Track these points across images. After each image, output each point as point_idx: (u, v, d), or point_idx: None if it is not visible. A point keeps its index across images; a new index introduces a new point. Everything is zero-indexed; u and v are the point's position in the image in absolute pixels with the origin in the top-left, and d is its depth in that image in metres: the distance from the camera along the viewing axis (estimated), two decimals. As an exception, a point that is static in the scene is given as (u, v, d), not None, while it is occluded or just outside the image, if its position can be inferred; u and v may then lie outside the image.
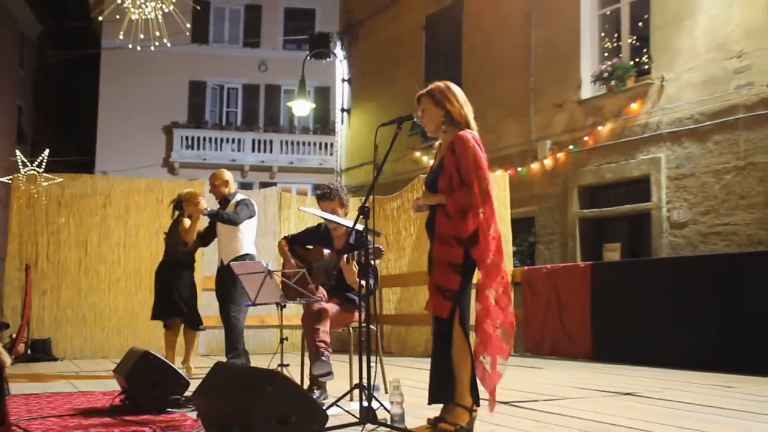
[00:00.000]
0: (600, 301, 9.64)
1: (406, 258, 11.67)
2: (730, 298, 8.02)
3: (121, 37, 9.77)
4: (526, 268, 11.48)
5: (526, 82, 13.93)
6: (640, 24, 12.24)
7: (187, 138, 29.09)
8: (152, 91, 28.30)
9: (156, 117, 28.67)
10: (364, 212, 4.59)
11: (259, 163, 29.19)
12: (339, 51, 20.29)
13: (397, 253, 11.78)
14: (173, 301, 8.37)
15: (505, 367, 4.38)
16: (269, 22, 30.32)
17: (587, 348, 9.68)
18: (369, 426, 4.40)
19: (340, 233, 6.36)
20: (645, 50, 11.99)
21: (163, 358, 5.62)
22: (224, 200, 8.21)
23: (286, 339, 6.28)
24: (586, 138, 12.57)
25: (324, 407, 4.23)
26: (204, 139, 29.23)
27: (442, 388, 4.43)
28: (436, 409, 4.47)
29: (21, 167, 12.36)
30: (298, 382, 5.85)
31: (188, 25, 10.13)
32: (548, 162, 13.19)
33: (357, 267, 5.73)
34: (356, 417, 4.46)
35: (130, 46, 9.90)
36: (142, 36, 9.69)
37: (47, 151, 12.84)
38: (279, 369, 5.49)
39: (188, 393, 5.25)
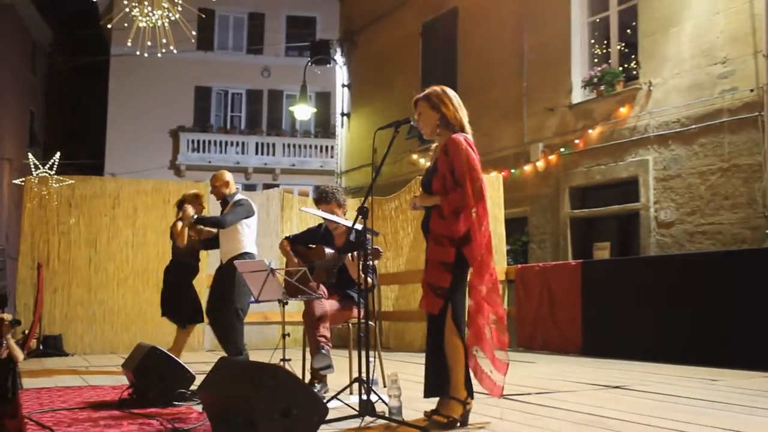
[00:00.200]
0: (590, 298, 9.64)
1: (403, 257, 11.67)
2: (714, 295, 8.02)
3: (130, 44, 9.77)
4: (519, 266, 11.48)
5: (519, 87, 13.92)
6: (628, 31, 12.24)
7: (193, 141, 29.06)
8: (159, 96, 28.26)
9: (163, 121, 28.63)
10: (363, 212, 4.59)
11: (263, 166, 29.15)
12: (339, 57, 20.28)
13: (395, 252, 11.78)
14: (173, 306, 8.39)
15: (508, 356, 4.39)
16: (272, 30, 30.29)
17: (578, 343, 9.68)
18: (368, 418, 4.40)
19: (341, 232, 6.36)
20: (633, 56, 11.99)
21: (169, 354, 5.63)
22: (224, 201, 8.18)
23: (288, 335, 6.27)
24: (576, 141, 12.57)
25: (324, 400, 4.23)
26: (209, 142, 29.19)
27: (436, 383, 4.44)
28: (432, 402, 4.48)
29: (33, 170, 12.38)
30: (300, 376, 5.84)
31: (194, 33, 10.16)
32: (540, 164, 13.18)
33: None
34: (355, 410, 4.46)
35: (138, 52, 9.92)
36: (149, 43, 9.69)
37: (58, 154, 12.87)
38: (281, 363, 5.50)
39: (194, 387, 5.25)
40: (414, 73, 16.71)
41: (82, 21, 30.37)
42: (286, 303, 6.00)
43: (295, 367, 5.90)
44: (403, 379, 4.74)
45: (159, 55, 10.00)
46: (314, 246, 6.48)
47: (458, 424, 4.30)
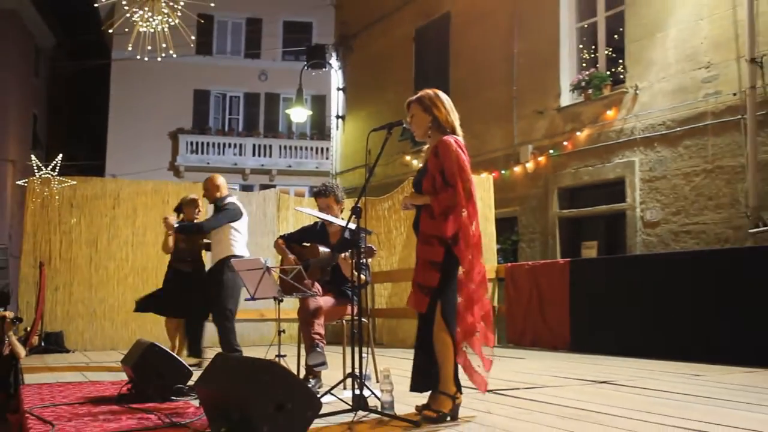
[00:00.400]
0: (578, 296, 9.64)
1: (396, 255, 11.67)
2: (699, 293, 8.03)
3: (130, 48, 9.75)
4: (509, 264, 11.47)
5: (510, 91, 13.92)
6: (615, 36, 12.25)
7: (191, 143, 29.05)
8: (159, 99, 28.25)
9: (162, 123, 28.62)
10: (356, 212, 4.60)
11: (260, 167, 29.15)
12: (334, 61, 20.25)
13: (388, 251, 11.77)
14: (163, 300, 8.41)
15: (493, 352, 4.39)
16: (269, 35, 30.28)
17: (566, 339, 9.68)
18: (361, 413, 4.39)
19: (335, 229, 6.37)
20: (620, 61, 12.00)
21: (167, 350, 5.62)
22: (215, 204, 8.15)
23: (284, 331, 6.26)
24: (565, 143, 12.56)
25: (318, 395, 4.22)
26: (208, 144, 29.18)
27: (422, 378, 4.45)
28: (424, 397, 4.47)
29: (36, 171, 12.35)
30: (295, 372, 5.83)
31: (193, 38, 10.13)
32: (530, 165, 13.18)
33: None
34: (349, 404, 4.45)
35: (139, 57, 9.89)
36: (149, 48, 9.67)
37: (60, 155, 12.85)
38: (276, 359, 5.48)
39: (191, 382, 5.24)
40: (407, 76, 16.70)
41: (84, 26, 30.31)
42: (282, 300, 5.99)
43: (290, 363, 5.89)
44: (396, 374, 4.73)
45: (159, 59, 9.98)
46: (309, 244, 6.47)
47: (448, 418, 4.30)
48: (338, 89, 20.24)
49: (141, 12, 9.23)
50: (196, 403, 4.91)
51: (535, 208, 13.22)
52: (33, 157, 13.89)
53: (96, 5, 10.78)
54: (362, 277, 5.35)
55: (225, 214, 7.76)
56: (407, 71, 16.89)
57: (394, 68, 17.41)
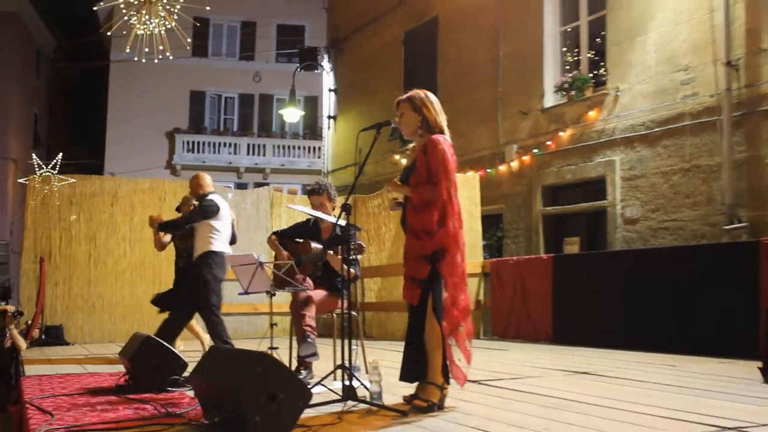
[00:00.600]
0: (560, 290, 9.68)
1: (386, 251, 11.68)
2: (676, 287, 8.09)
3: (128, 50, 9.71)
4: (494, 260, 11.51)
5: (495, 92, 13.95)
6: (597, 40, 12.29)
7: (187, 142, 28.99)
8: (156, 99, 28.17)
9: (160, 123, 28.55)
10: (346, 209, 4.62)
11: (254, 166, 29.12)
12: (326, 63, 20.25)
13: (377, 247, 11.79)
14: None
15: (471, 345, 4.42)
16: (263, 38, 30.21)
17: (549, 332, 9.72)
18: (350, 403, 4.41)
19: (327, 226, 6.40)
20: (602, 63, 12.04)
21: (163, 342, 5.62)
22: (198, 200, 8.10)
23: (276, 324, 6.30)
24: (548, 142, 12.60)
25: (309, 386, 4.24)
26: (203, 143, 29.13)
27: (412, 369, 4.46)
28: (411, 388, 4.49)
29: (37, 169, 12.30)
30: (287, 364, 5.85)
31: (189, 40, 10.11)
32: (515, 164, 13.21)
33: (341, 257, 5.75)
34: (339, 394, 4.47)
35: (136, 58, 9.86)
36: (147, 50, 9.64)
37: (60, 154, 12.81)
38: (269, 351, 5.49)
39: (186, 374, 5.25)
40: (396, 78, 16.70)
41: (83, 28, 30.19)
42: (274, 294, 6.00)
43: (282, 355, 5.90)
44: (384, 366, 4.75)
45: (156, 61, 9.97)
46: (301, 240, 6.48)
47: (436, 408, 4.32)
48: (330, 90, 20.23)
49: (138, 15, 9.21)
50: (191, 393, 4.91)
51: (520, 206, 13.26)
52: (34, 155, 13.84)
53: (95, 8, 10.74)
54: (352, 271, 5.37)
55: (198, 210, 7.71)
56: (397, 73, 16.90)
57: (384, 70, 17.41)
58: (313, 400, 3.96)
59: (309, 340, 5.73)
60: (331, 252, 5.99)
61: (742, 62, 9.83)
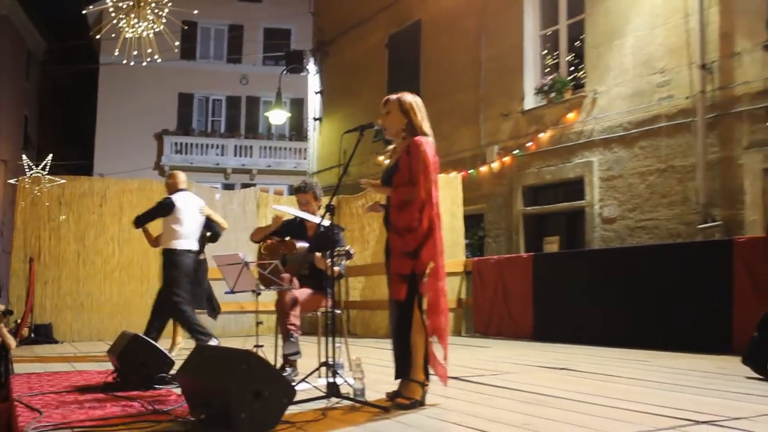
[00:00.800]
0: (540, 288, 9.72)
1: (369, 250, 11.67)
2: (652, 285, 8.13)
3: (117, 53, 9.65)
4: (476, 258, 11.53)
5: (477, 94, 13.97)
6: (576, 43, 12.33)
7: (176, 144, 28.91)
8: (145, 101, 28.07)
9: (148, 125, 28.46)
10: (329, 209, 4.62)
11: (241, 167, 29.07)
12: (312, 66, 20.23)
13: (361, 246, 11.77)
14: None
15: (448, 343, 4.43)
16: (250, 41, 30.18)
17: (529, 329, 9.75)
18: (334, 399, 4.41)
19: (312, 224, 6.39)
20: (581, 66, 12.08)
21: (150, 341, 5.60)
22: None
23: (262, 323, 6.26)
24: (529, 144, 12.63)
25: (294, 383, 4.23)
26: (191, 144, 29.05)
27: (405, 366, 4.44)
28: (393, 384, 4.49)
29: (27, 170, 12.22)
30: (272, 362, 5.84)
31: (177, 43, 10.02)
32: (496, 165, 13.24)
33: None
34: (323, 391, 4.46)
35: (125, 61, 9.80)
36: (135, 53, 9.58)
37: (50, 155, 12.72)
38: (254, 350, 5.48)
39: (173, 371, 5.22)
40: (381, 81, 16.70)
41: (73, 32, 30.01)
42: (260, 293, 5.99)
43: (268, 353, 5.89)
44: (367, 363, 4.75)
45: (144, 63, 9.89)
46: (288, 239, 6.47)
47: (418, 405, 4.31)
48: (316, 93, 20.22)
49: (127, 18, 9.16)
50: (178, 391, 4.89)
51: (501, 206, 13.29)
52: (24, 156, 13.75)
53: (84, 12, 10.68)
54: (336, 269, 5.36)
55: (152, 208, 7.77)
56: (381, 75, 16.90)
57: (369, 73, 17.41)
58: (298, 397, 3.96)
59: (292, 339, 5.72)
60: (318, 254, 5.99)
61: (716, 65, 9.89)
